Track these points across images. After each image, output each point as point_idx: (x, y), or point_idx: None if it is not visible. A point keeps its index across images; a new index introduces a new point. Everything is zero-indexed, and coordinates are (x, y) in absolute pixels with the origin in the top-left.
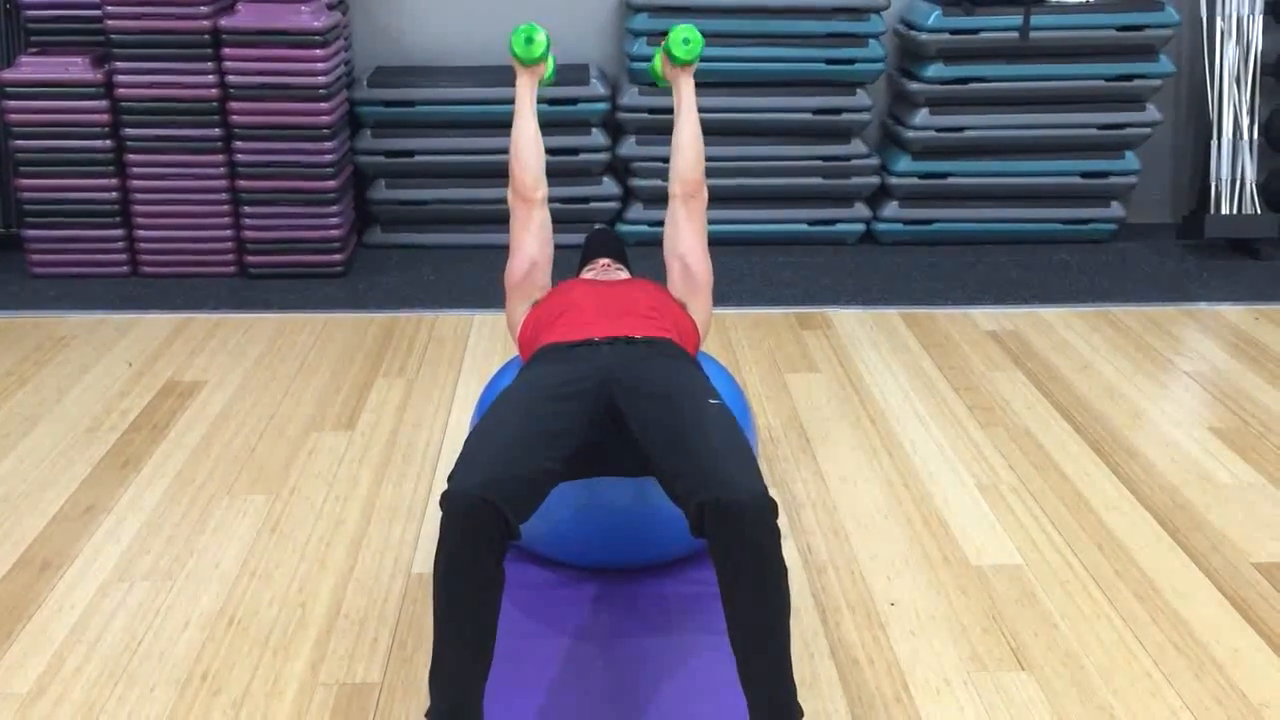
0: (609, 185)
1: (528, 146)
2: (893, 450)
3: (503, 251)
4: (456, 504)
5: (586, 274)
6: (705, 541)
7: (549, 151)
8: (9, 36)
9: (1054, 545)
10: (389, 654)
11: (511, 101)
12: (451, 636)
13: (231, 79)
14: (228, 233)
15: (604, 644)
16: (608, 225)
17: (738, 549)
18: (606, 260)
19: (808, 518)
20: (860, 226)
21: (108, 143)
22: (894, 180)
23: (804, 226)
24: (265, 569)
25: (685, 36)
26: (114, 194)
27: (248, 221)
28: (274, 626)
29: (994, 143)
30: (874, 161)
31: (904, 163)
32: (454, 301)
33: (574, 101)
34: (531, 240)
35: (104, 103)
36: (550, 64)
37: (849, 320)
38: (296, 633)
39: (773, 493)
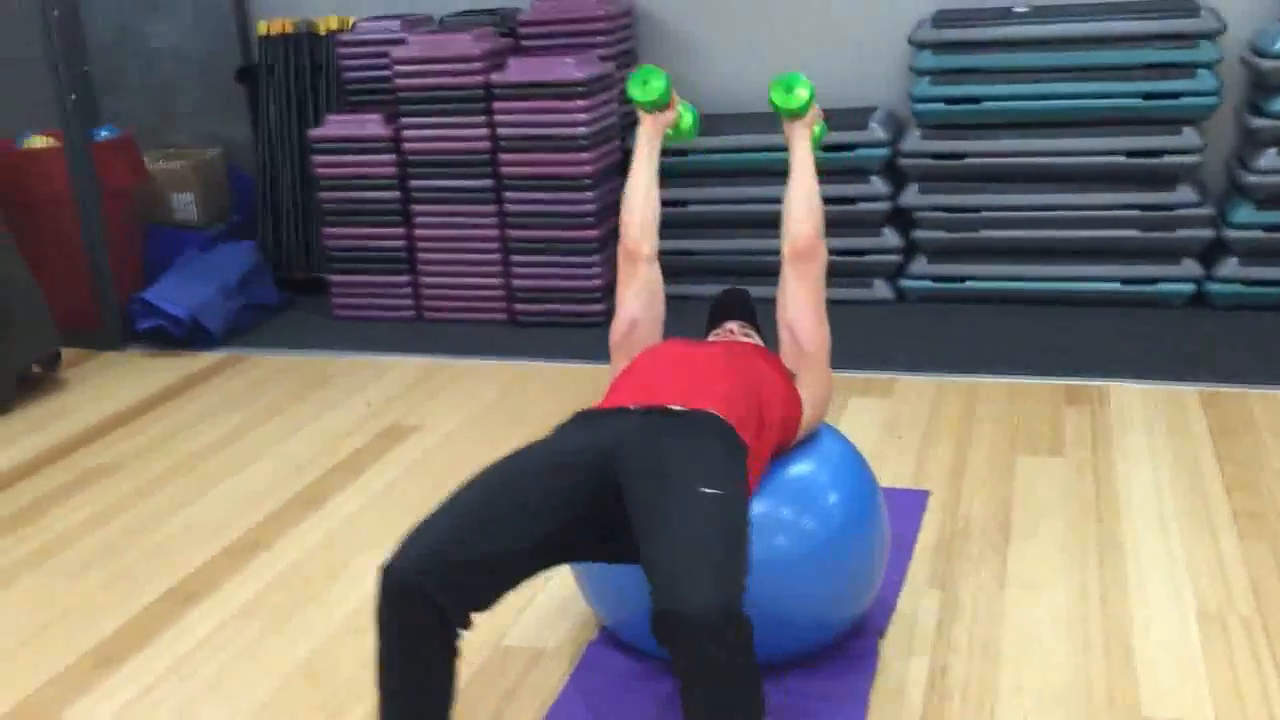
0: (889, 237)
1: (635, 196)
2: (1106, 556)
3: (769, 305)
4: (389, 584)
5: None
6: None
7: (826, 201)
8: (327, 99)
9: (1267, 699)
10: None
11: (779, 150)
12: None
13: (501, 131)
14: (498, 280)
15: None
16: (738, 287)
17: (691, 665)
18: (734, 324)
19: (958, 632)
20: (1189, 287)
21: (396, 194)
22: (1233, 233)
23: (1117, 285)
24: None
25: (789, 83)
26: (402, 242)
27: (516, 270)
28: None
29: None
30: (1207, 211)
31: (1246, 212)
32: None
33: (851, 147)
34: (633, 299)
35: (393, 156)
36: (688, 116)
37: (1130, 396)
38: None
39: (927, 598)
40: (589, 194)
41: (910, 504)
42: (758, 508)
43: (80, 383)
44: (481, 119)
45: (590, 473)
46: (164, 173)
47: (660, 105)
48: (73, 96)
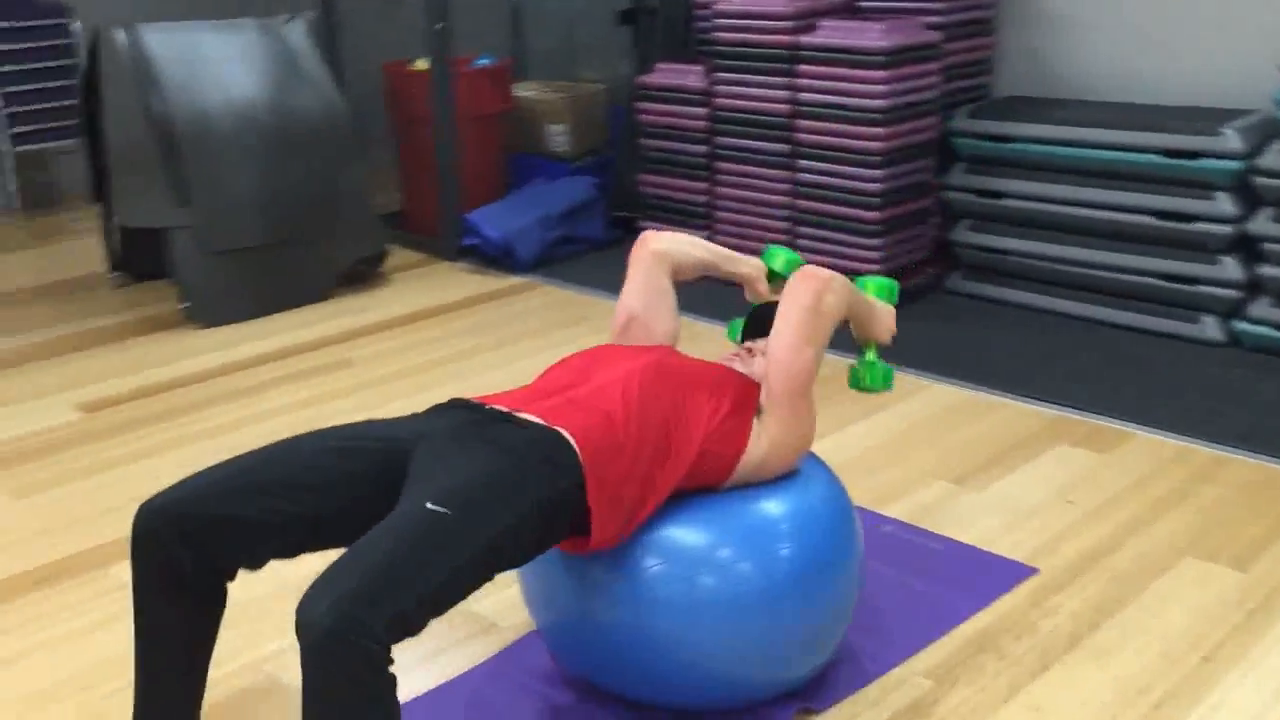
0: (1229, 267)
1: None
2: (1171, 705)
3: (1099, 328)
4: (135, 523)
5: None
6: None
7: (1157, 214)
8: (689, 47)
9: None
10: None
11: (1125, 150)
12: (136, 669)
13: (801, 96)
14: None
15: None
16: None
17: (303, 674)
18: (751, 344)
19: None
20: None
21: (704, 148)
22: None
23: None
24: None
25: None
26: (704, 198)
27: (801, 242)
28: None
29: None
30: None
31: None
32: (1008, 382)
33: (1194, 155)
34: (633, 292)
35: (704, 110)
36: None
37: None
38: None
39: (905, 688)
40: (878, 172)
41: (998, 578)
42: (694, 537)
43: (393, 285)
44: (783, 80)
45: (375, 464)
46: (541, 103)
47: (779, 275)
48: (438, 25)
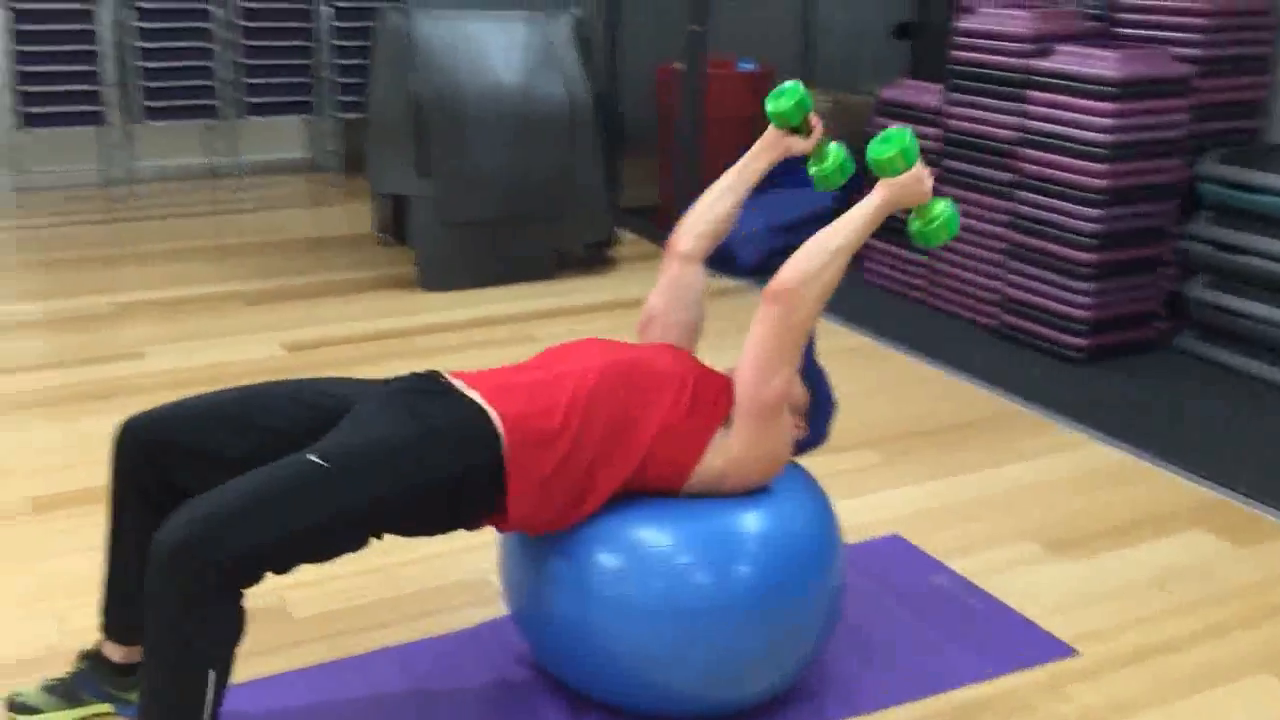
0: None
1: (704, 196)
2: None
3: None
4: (117, 431)
5: None
6: None
7: None
8: (935, 63)
9: None
10: None
11: None
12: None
13: (1028, 123)
14: (995, 284)
15: None
16: None
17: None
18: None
19: None
20: None
21: (932, 169)
22: None
23: None
24: None
25: (888, 133)
26: None
27: (1011, 276)
28: None
29: None
30: None
31: None
32: (1179, 452)
33: None
34: (658, 293)
35: (936, 130)
36: (836, 158)
37: None
38: None
39: None
40: (1097, 211)
41: (1025, 652)
42: (655, 538)
43: (617, 273)
44: (1012, 105)
45: (320, 418)
46: None
47: (786, 123)
48: (694, 27)
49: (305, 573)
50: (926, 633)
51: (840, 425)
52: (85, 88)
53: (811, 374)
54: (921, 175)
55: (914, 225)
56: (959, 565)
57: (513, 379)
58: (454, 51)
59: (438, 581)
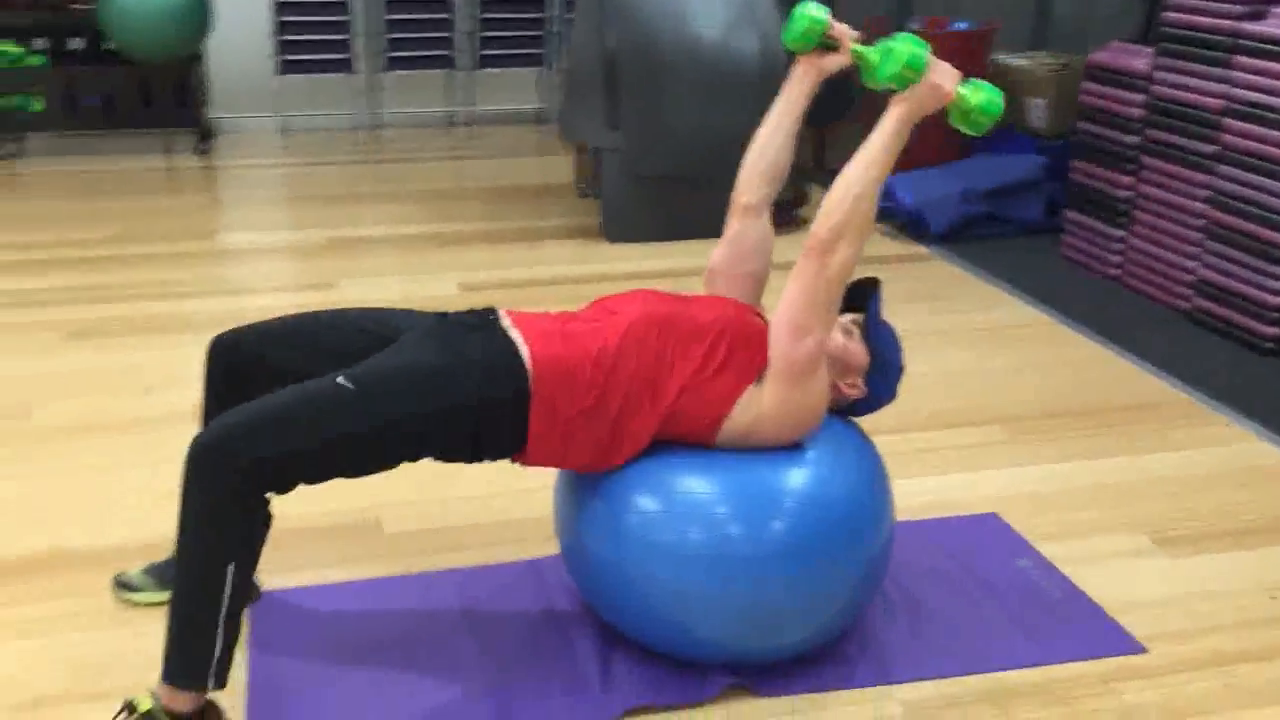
0: None
1: (755, 141)
2: None
3: None
4: (207, 349)
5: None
6: None
7: None
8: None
9: None
10: None
11: None
12: None
13: (1235, 92)
14: (1191, 264)
15: None
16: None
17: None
18: (854, 317)
19: None
20: None
21: (1135, 139)
22: None
23: None
24: None
25: (891, 45)
26: (1126, 193)
27: (1207, 258)
28: None
29: None
30: None
31: None
32: None
33: None
34: (721, 246)
35: (1142, 96)
36: (882, 63)
37: None
38: None
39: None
40: None
41: (1089, 643)
42: (698, 487)
43: (795, 232)
44: (1218, 71)
45: (373, 344)
46: (1022, 74)
47: (804, 46)
48: None
49: (404, 492)
50: (989, 612)
51: (972, 400)
52: (336, 37)
53: (876, 334)
54: (935, 80)
55: (954, 120)
56: (1052, 551)
57: (558, 325)
58: (650, 6)
59: (522, 514)
